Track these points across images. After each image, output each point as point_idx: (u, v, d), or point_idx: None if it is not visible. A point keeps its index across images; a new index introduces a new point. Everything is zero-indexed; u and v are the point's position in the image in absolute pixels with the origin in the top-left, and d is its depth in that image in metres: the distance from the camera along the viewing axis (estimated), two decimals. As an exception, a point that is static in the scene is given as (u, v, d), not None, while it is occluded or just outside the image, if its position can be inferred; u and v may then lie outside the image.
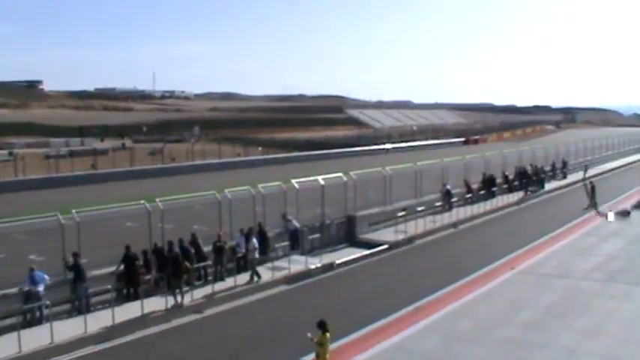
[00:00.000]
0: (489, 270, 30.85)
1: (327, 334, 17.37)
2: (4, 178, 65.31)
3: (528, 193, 55.04)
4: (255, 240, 29.54)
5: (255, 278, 28.60)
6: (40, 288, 22.87)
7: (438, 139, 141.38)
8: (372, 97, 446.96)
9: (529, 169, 58.78)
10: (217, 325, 24.10)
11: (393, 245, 36.26)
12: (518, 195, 53.89)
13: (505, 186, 53.68)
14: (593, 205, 48.71)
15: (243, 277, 28.40)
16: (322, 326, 17.38)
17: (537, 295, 26.49)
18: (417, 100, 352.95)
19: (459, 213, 44.48)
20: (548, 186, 59.28)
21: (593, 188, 50.17)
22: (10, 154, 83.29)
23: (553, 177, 64.03)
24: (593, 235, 38.56)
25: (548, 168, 64.40)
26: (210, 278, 28.10)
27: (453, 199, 45.96)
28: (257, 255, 29.36)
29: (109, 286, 23.97)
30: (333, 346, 20.96)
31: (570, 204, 51.23)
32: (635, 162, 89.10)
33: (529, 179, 57.42)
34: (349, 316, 24.53)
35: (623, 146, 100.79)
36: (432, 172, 47.46)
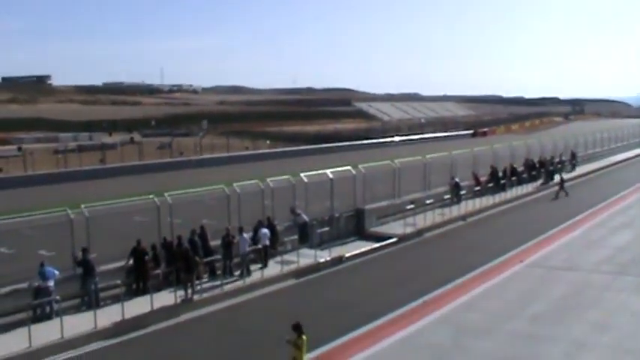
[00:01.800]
0: (498, 263, 30.78)
1: (304, 337, 16.78)
2: (13, 173, 65.55)
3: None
4: (266, 230, 29.90)
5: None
6: (51, 283, 22.90)
7: (446, 131, 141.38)
8: (381, 90, 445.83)
9: (537, 161, 58.80)
10: (227, 320, 24.14)
11: (402, 238, 36.24)
12: (527, 187, 53.76)
13: (514, 178, 53.51)
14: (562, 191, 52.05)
15: (255, 273, 28.52)
16: (298, 329, 16.81)
17: (547, 289, 26.44)
18: (425, 93, 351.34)
19: (468, 206, 44.38)
20: (557, 178, 59.01)
21: (562, 179, 53.54)
22: (19, 149, 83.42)
23: (562, 169, 63.71)
24: (602, 227, 38.47)
25: (557, 160, 64.16)
26: (219, 272, 28.06)
27: (462, 192, 45.85)
28: (268, 242, 29.70)
29: (119, 281, 24.00)
30: (342, 340, 21.09)
31: (579, 196, 51.17)
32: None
33: (538, 171, 57.39)
34: (358, 309, 24.54)
35: (631, 138, 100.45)
36: (441, 165, 47.33)
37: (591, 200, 48.06)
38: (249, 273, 28.17)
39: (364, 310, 24.33)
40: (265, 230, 29.90)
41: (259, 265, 29.08)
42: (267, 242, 29.73)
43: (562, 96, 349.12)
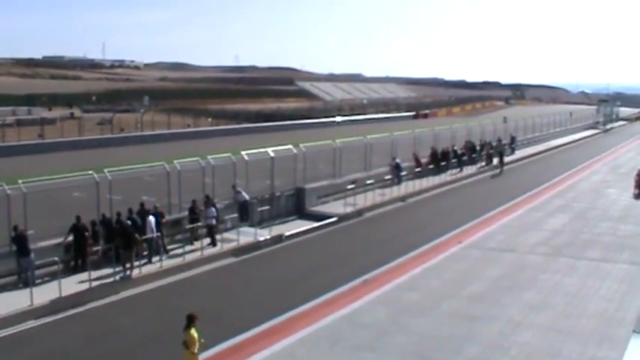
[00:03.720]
0: (437, 243, 31.17)
1: (192, 331, 15.67)
2: (-51, 146, 64.03)
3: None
4: (213, 208, 29.91)
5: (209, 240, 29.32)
6: (-15, 260, 22.49)
7: (388, 112, 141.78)
8: (324, 69, 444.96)
9: (478, 144, 59.45)
10: (165, 297, 23.99)
11: (342, 218, 36.42)
12: (467, 170, 54.32)
13: (454, 161, 54.05)
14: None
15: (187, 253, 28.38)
16: (187, 321, 15.83)
17: (484, 269, 26.84)
18: (367, 74, 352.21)
19: (408, 187, 44.76)
20: (495, 161, 59.73)
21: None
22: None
23: (502, 152, 64.27)
24: (539, 211, 39.10)
25: (495, 144, 64.87)
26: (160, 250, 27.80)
27: (403, 173, 46.20)
28: (214, 222, 29.77)
29: (56, 258, 23.64)
30: (283, 318, 21.14)
31: (518, 179, 51.97)
32: (580, 139, 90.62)
33: (479, 154, 58.00)
34: (298, 288, 24.64)
35: (569, 124, 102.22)
36: (382, 146, 47.62)
37: (529, 183, 48.84)
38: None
39: (304, 288, 24.41)
40: (213, 209, 29.80)
41: (198, 244, 29.03)
42: (214, 222, 29.68)
43: (503, 81, 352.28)
